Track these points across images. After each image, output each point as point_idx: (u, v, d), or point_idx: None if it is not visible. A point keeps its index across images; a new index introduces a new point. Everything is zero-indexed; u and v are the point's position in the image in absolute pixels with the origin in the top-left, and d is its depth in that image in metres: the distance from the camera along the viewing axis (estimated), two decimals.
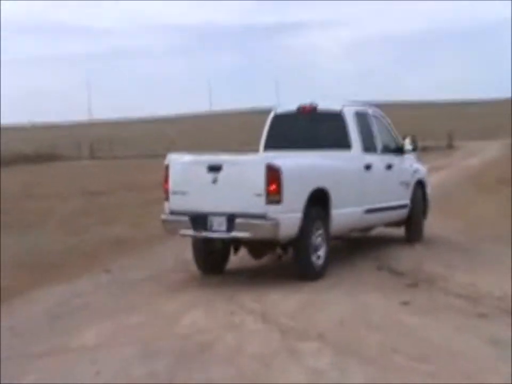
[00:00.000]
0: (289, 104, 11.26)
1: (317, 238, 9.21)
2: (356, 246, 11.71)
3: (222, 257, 9.75)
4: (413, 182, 11.95)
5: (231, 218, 8.78)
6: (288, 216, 8.76)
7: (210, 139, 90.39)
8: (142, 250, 11.71)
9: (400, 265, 9.89)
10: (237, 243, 9.38)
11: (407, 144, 11.63)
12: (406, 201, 11.67)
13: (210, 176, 8.94)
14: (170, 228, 9.32)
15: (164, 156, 9.60)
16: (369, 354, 6.07)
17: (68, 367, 6.07)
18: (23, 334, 7.05)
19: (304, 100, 10.98)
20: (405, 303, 7.75)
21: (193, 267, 9.90)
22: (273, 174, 8.66)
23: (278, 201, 8.66)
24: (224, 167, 8.92)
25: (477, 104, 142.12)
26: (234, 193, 8.85)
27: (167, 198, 9.29)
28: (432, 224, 13.71)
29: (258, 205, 8.64)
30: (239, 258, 10.01)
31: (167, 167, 9.33)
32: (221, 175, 8.90)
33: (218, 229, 8.90)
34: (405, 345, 6.28)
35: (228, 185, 8.88)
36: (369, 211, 10.47)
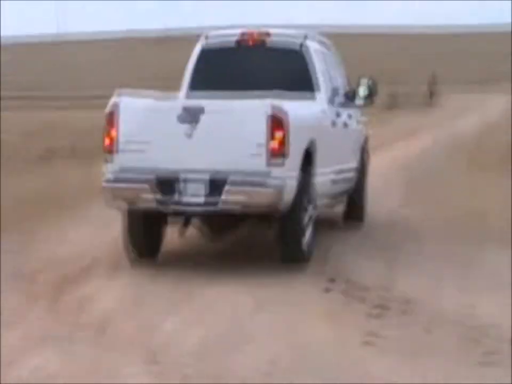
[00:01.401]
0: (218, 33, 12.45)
1: (305, 211, 10.52)
2: None
3: (161, 234, 10.96)
4: (361, 142, 13.97)
5: (215, 182, 9.84)
6: (291, 179, 10.03)
7: (54, 77, 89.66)
8: None
9: (361, 278, 10.05)
10: (189, 216, 10.49)
11: (362, 92, 12.76)
12: (356, 164, 13.52)
13: (182, 128, 9.96)
14: (118, 197, 10.16)
15: None
16: None
17: None
18: None
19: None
20: (369, 342, 7.81)
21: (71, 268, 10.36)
22: (278, 123, 9.85)
23: (282, 159, 9.88)
24: (205, 114, 9.92)
25: (471, 36, 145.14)
26: (219, 148, 9.93)
27: (110, 157, 10.16)
28: (405, 220, 14.01)
29: (257, 163, 9.83)
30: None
31: (112, 113, 10.16)
32: (200, 126, 9.91)
33: (194, 196, 9.92)
34: None
35: (208, 139, 9.95)
36: (335, 180, 12.11)
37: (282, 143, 9.88)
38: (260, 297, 9.24)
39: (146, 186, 10.00)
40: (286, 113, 9.92)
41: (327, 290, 9.72)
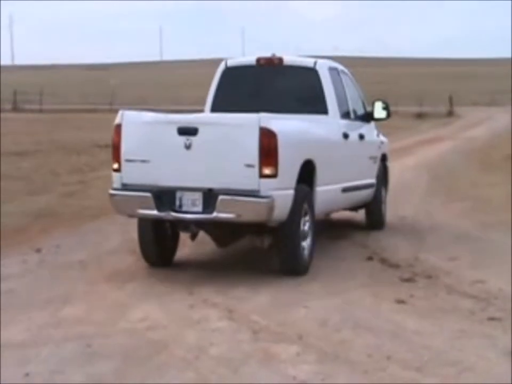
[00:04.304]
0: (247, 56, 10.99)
1: (305, 223, 8.90)
2: (338, 229, 11.87)
3: (173, 245, 9.40)
4: (379, 156, 12.05)
5: (210, 195, 8.26)
6: (283, 194, 8.37)
7: (159, 92, 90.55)
8: (79, 225, 11.64)
9: (394, 255, 10.01)
10: (197, 228, 8.92)
11: (378, 111, 11.42)
12: (373, 179, 11.73)
13: (181, 140, 8.37)
14: (122, 206, 8.63)
15: (104, 111, 9.52)
16: (359, 362, 6.10)
17: None
18: None
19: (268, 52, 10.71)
20: (401, 302, 7.82)
21: None
22: (269, 140, 8.17)
23: (273, 175, 8.21)
24: (201, 130, 8.35)
25: (484, 64, 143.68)
26: (214, 163, 8.32)
27: (118, 168, 8.62)
28: (430, 207, 13.96)
29: (248, 178, 8.18)
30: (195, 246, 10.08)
31: (118, 127, 8.60)
32: (196, 139, 8.34)
33: (190, 209, 8.39)
34: (401, 352, 6.32)
35: (204, 153, 8.34)
36: (346, 190, 10.38)
37: (274, 159, 8.21)
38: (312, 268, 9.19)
39: (148, 194, 8.42)
40: (276, 130, 8.23)
41: (369, 259, 9.77)
